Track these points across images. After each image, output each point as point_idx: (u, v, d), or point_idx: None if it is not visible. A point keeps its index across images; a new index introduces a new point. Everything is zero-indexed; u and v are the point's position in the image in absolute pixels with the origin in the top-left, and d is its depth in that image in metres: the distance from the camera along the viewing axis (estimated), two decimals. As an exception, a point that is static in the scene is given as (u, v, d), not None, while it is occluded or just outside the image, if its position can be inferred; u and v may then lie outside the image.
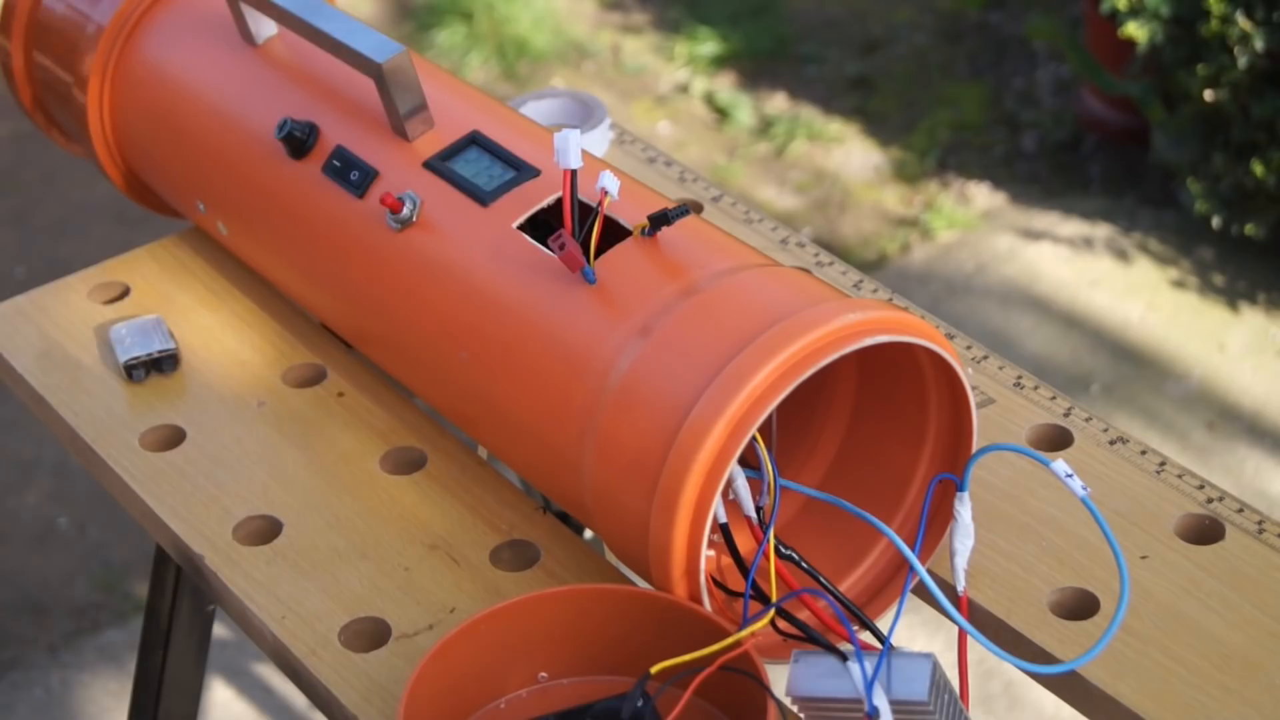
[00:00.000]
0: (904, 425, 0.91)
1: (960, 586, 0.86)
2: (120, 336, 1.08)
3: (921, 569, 0.82)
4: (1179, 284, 2.56)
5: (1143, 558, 0.92)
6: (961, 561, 0.86)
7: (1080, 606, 0.89)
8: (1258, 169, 2.41)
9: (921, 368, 0.88)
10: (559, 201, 0.92)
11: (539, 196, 0.93)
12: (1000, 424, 1.01)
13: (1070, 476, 0.80)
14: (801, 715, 0.81)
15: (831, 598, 0.85)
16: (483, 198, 0.93)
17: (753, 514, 0.85)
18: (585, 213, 0.89)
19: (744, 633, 0.80)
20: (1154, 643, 0.87)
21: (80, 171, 2.69)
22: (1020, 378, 1.04)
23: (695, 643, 0.80)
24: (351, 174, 0.98)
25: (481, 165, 0.95)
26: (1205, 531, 0.93)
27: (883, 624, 0.88)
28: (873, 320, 0.83)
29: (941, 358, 0.85)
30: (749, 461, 0.85)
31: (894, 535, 0.83)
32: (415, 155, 0.97)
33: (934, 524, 0.89)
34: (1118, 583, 0.79)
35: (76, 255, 2.56)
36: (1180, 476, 0.96)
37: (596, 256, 0.88)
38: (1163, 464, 0.97)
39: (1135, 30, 2.51)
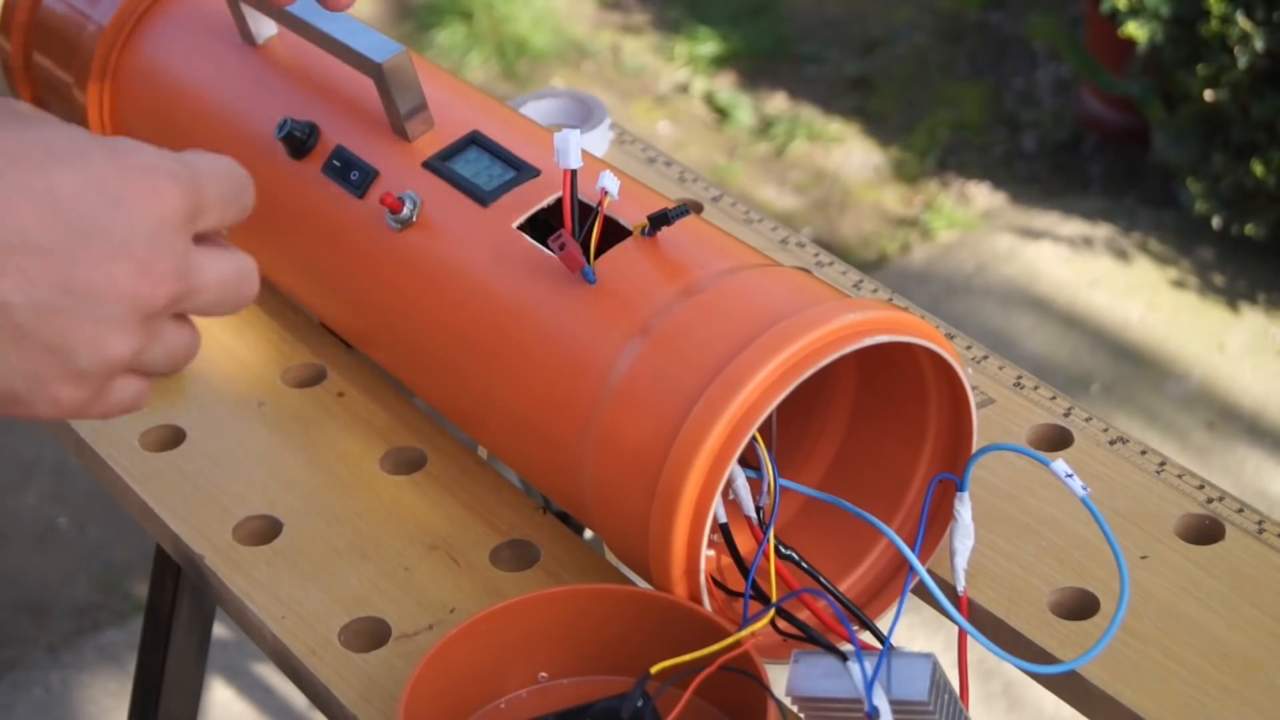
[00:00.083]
0: (904, 425, 0.91)
1: (960, 586, 0.86)
2: (120, 336, 1.08)
3: (921, 569, 0.82)
4: (1179, 284, 2.56)
5: (1143, 558, 0.92)
6: (961, 561, 0.86)
7: (1080, 606, 0.89)
8: (1258, 169, 2.41)
9: (921, 368, 0.88)
10: (559, 201, 0.92)
11: (539, 196, 0.93)
12: (1000, 424, 1.01)
13: (1070, 476, 0.80)
14: (801, 715, 0.81)
15: (831, 598, 0.85)
16: (483, 198, 0.93)
17: (753, 514, 0.85)
18: (585, 213, 0.89)
19: (744, 633, 0.80)
20: (1154, 643, 0.87)
21: (80, 171, 2.69)
22: (1020, 378, 1.04)
23: (695, 643, 0.80)
24: (351, 174, 0.98)
25: (481, 165, 0.95)
26: (1205, 531, 0.93)
27: (883, 624, 0.88)
28: (873, 320, 0.83)
29: (941, 358, 0.85)
30: (749, 461, 0.85)
31: (894, 535, 0.83)
32: (415, 155, 0.97)
33: (934, 524, 0.89)
34: (1118, 583, 0.79)
35: (76, 255, 2.56)
36: (1180, 476, 0.96)
37: (596, 256, 0.88)
38: (1163, 464, 0.97)
39: (1135, 30, 2.51)
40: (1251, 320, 2.49)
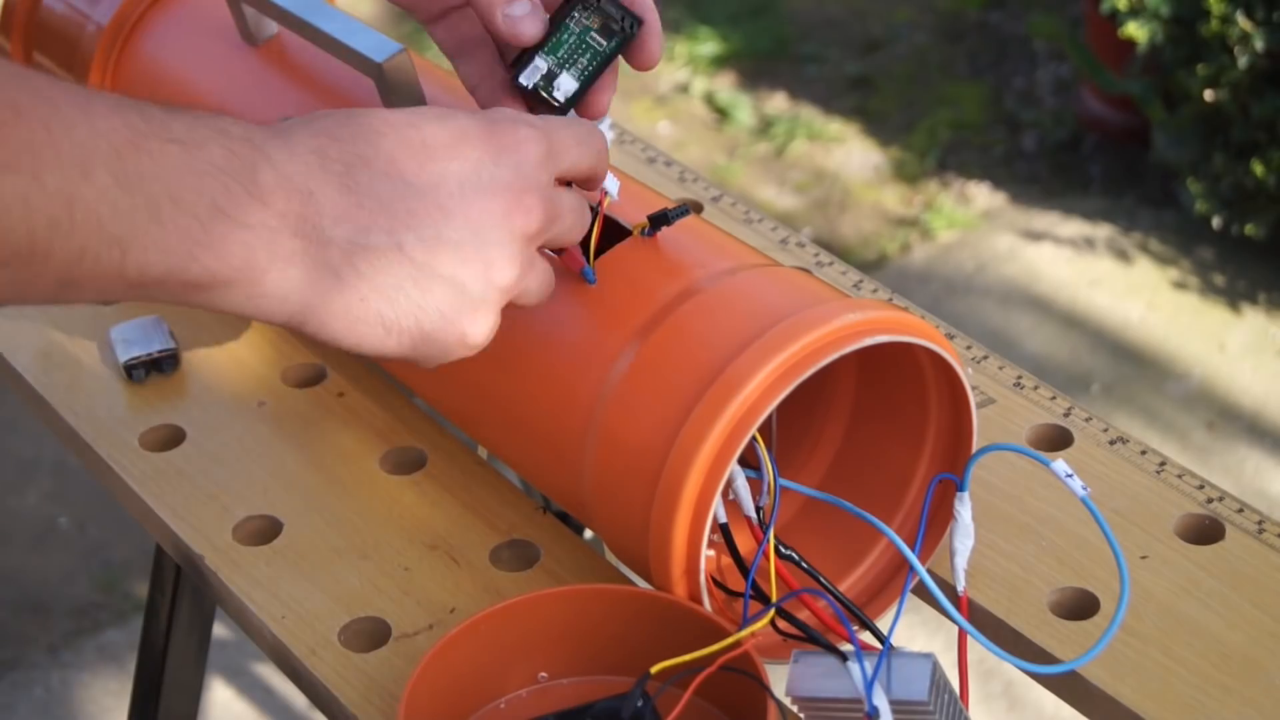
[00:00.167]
0: (904, 425, 0.91)
1: (960, 586, 0.86)
2: (120, 336, 1.08)
3: (921, 569, 0.82)
4: (1179, 284, 2.56)
5: (1143, 558, 0.92)
6: (961, 561, 0.86)
7: (1080, 606, 0.89)
8: (1258, 169, 2.41)
9: (921, 368, 0.88)
10: (559, 201, 0.92)
11: (539, 196, 0.93)
12: (1000, 424, 1.01)
13: (1070, 476, 0.80)
14: (801, 715, 0.81)
15: (831, 598, 0.85)
16: (483, 198, 0.93)
17: (753, 514, 0.85)
18: (585, 213, 0.89)
19: (744, 633, 0.80)
20: (1154, 643, 0.87)
21: (80, 171, 2.69)
22: (1020, 378, 1.04)
23: (695, 643, 0.80)
24: (351, 174, 0.97)
25: (481, 165, 0.95)
26: (1205, 531, 0.93)
27: (883, 624, 0.88)
28: (873, 320, 0.83)
29: (941, 358, 0.85)
30: (749, 461, 0.85)
31: (894, 535, 0.83)
32: (415, 155, 0.97)
33: (934, 524, 0.89)
34: (1118, 583, 0.79)
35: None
36: (1180, 476, 0.96)
37: (596, 256, 0.88)
38: (1163, 464, 0.97)
39: (1135, 30, 2.51)
40: (1252, 320, 2.49)
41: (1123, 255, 2.61)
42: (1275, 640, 0.87)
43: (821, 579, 0.86)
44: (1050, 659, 0.87)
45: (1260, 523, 0.93)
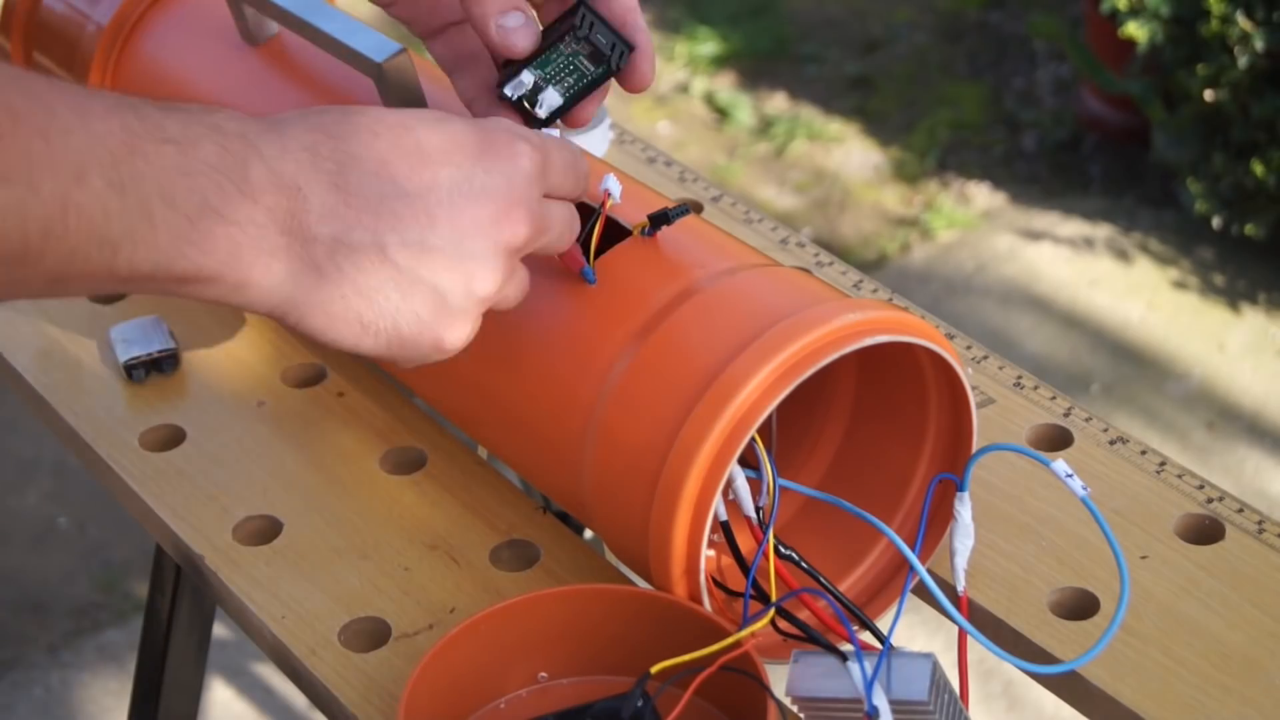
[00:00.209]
0: (904, 425, 0.91)
1: (960, 586, 0.86)
2: (120, 336, 1.08)
3: (921, 569, 0.82)
4: (1179, 284, 2.56)
5: (1142, 557, 0.92)
6: (961, 561, 0.86)
7: (1080, 606, 0.89)
8: (1258, 169, 2.41)
9: (921, 368, 0.88)
10: (559, 201, 0.92)
11: (539, 196, 0.93)
12: (1000, 424, 1.01)
13: (1070, 476, 0.80)
14: (801, 715, 0.81)
15: (831, 597, 0.85)
16: (483, 197, 0.93)
17: (752, 514, 0.85)
18: (586, 213, 0.89)
19: (744, 632, 0.80)
20: (1154, 642, 0.87)
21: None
22: (1020, 378, 1.04)
23: (695, 642, 0.80)
24: (351, 174, 0.97)
25: (481, 165, 0.95)
26: (1205, 531, 0.93)
27: (883, 624, 0.88)
28: (873, 320, 0.83)
29: (941, 358, 0.85)
30: (749, 461, 0.85)
31: (894, 535, 0.83)
32: (415, 155, 0.97)
33: (934, 524, 0.89)
34: (1118, 583, 0.79)
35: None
36: (1180, 476, 0.96)
37: (596, 256, 0.88)
38: (1163, 464, 0.97)
39: (1135, 30, 2.51)
40: (1252, 320, 2.49)
41: (1123, 255, 2.61)
42: (1275, 640, 0.87)
43: (821, 579, 0.86)
44: (1050, 659, 0.87)
45: (1260, 523, 0.93)
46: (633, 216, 0.90)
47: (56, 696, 2.03)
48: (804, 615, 0.86)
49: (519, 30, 0.86)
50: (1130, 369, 2.43)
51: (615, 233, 0.90)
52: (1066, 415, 1.01)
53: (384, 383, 1.05)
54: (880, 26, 3.14)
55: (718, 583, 0.86)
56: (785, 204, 2.77)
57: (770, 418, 0.82)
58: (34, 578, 2.16)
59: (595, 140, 1.21)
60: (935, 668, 0.78)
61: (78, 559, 2.18)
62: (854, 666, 0.79)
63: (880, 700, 0.78)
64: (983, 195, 2.76)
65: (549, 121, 0.88)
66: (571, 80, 0.88)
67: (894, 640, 0.82)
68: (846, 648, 0.80)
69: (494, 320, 0.83)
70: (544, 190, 0.81)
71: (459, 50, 0.92)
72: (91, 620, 2.11)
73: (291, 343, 1.09)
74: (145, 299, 1.13)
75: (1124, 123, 2.77)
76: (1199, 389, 2.40)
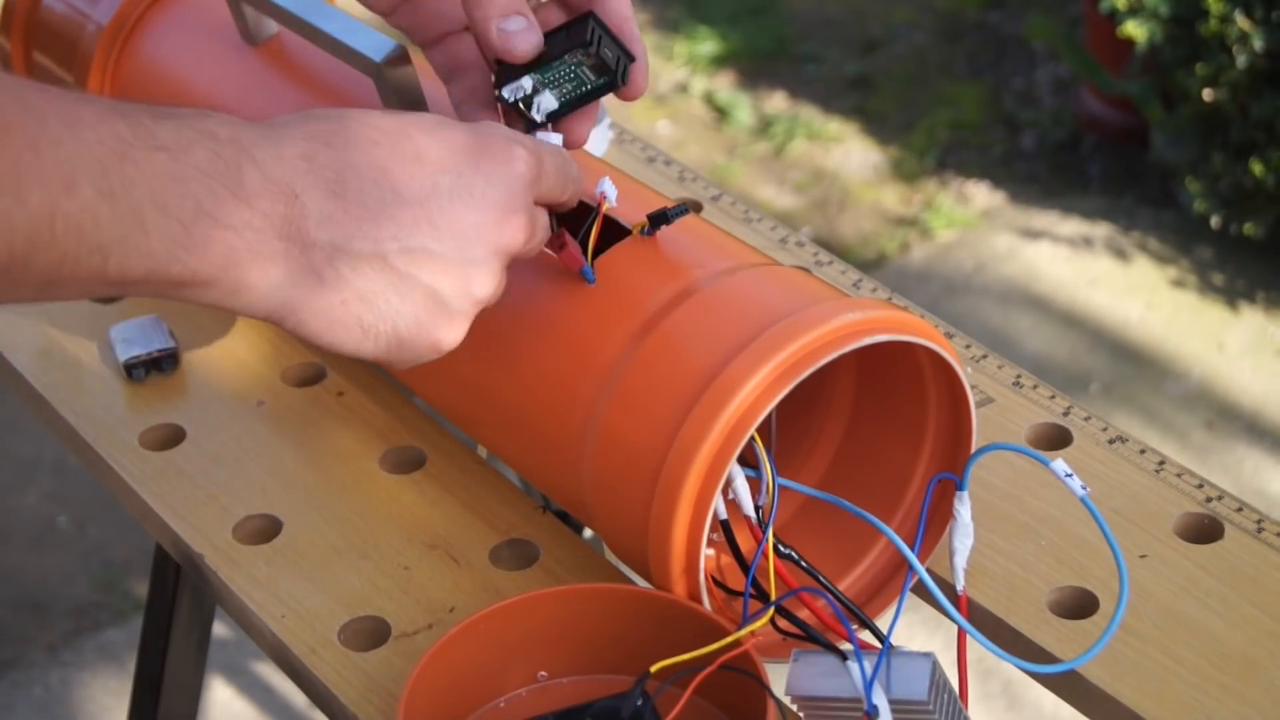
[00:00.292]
0: (903, 424, 0.91)
1: (959, 586, 0.86)
2: (120, 335, 1.08)
3: (921, 568, 0.82)
4: (1178, 283, 2.56)
5: (1142, 557, 0.92)
6: (961, 561, 0.86)
7: (1079, 606, 0.89)
8: (1256, 168, 2.41)
9: (921, 367, 0.88)
10: (558, 201, 0.92)
11: (538, 196, 0.93)
12: (999, 423, 1.01)
13: (1069, 476, 0.80)
14: (801, 715, 0.81)
15: (831, 597, 0.85)
16: (482, 197, 0.93)
17: (752, 513, 0.85)
18: (585, 212, 0.89)
19: (743, 631, 0.80)
20: (1153, 642, 0.87)
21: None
22: (1019, 377, 1.04)
23: (695, 642, 0.80)
24: (351, 173, 0.97)
25: (481, 165, 0.95)
26: (1204, 530, 0.93)
27: (882, 623, 0.88)
28: (872, 319, 0.83)
29: (941, 357, 0.85)
30: (748, 460, 0.85)
31: (893, 535, 0.84)
32: (415, 155, 0.97)
33: (933, 523, 0.90)
34: (1117, 582, 0.79)
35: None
36: (1179, 475, 0.96)
37: (596, 256, 0.88)
38: (1162, 463, 0.97)
39: (1134, 29, 2.51)
40: (1250, 319, 2.49)
41: (1122, 255, 2.61)
42: (1274, 640, 0.87)
43: (821, 578, 0.86)
44: (1049, 658, 0.87)
45: (1259, 522, 0.93)
46: (632, 216, 0.90)
47: (56, 696, 2.03)
48: (804, 614, 0.86)
49: (520, 34, 0.86)
50: (1129, 368, 2.43)
51: (614, 232, 0.90)
52: (1066, 414, 1.01)
53: (384, 382, 1.05)
54: (880, 26, 3.14)
55: (717, 582, 0.86)
56: (785, 203, 2.77)
57: (770, 417, 0.82)
58: (34, 577, 2.16)
59: (595, 140, 1.21)
60: (935, 667, 0.78)
61: (78, 559, 2.18)
62: (854, 666, 0.79)
63: (880, 699, 0.78)
64: (982, 195, 2.76)
65: (543, 125, 0.88)
66: (570, 87, 0.88)
67: (893, 639, 0.82)
68: (846, 647, 0.80)
69: (493, 320, 0.83)
70: (537, 195, 0.82)
71: (456, 59, 0.92)
72: (91, 620, 2.11)
73: (291, 342, 1.09)
74: (145, 298, 1.13)
75: (1123, 122, 2.77)
76: (1198, 388, 2.40)
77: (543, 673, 0.85)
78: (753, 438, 0.81)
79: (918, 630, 1.84)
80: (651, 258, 0.89)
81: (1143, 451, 0.98)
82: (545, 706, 0.84)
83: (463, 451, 1.00)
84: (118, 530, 2.20)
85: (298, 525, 0.96)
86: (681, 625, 0.82)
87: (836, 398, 0.94)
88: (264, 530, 0.96)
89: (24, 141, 0.67)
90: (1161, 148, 2.62)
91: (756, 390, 0.80)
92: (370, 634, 0.90)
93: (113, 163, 0.69)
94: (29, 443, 2.32)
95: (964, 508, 0.86)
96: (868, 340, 0.82)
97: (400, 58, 0.94)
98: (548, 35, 0.87)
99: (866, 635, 0.85)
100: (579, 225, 0.88)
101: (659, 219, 0.89)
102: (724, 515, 0.84)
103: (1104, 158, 2.80)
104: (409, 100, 0.96)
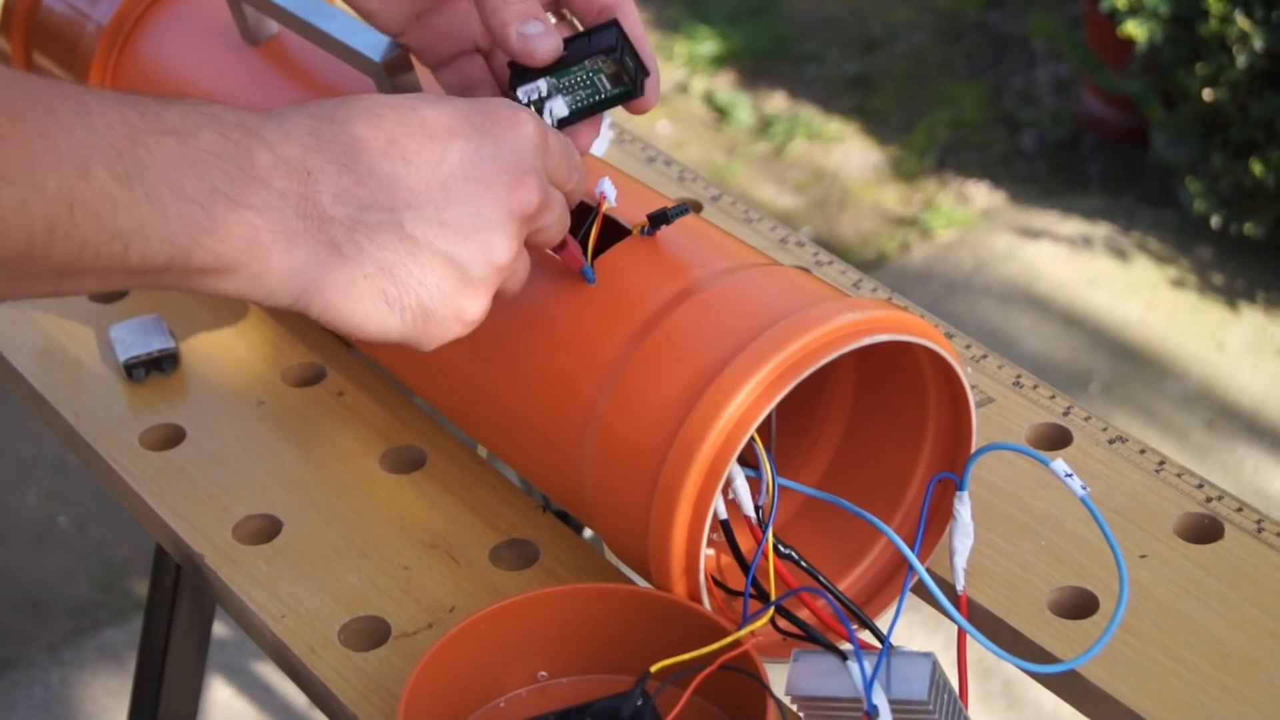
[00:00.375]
0: (903, 424, 0.91)
1: (959, 586, 0.86)
2: (120, 335, 1.08)
3: (921, 568, 0.82)
4: (1178, 283, 2.56)
5: (1142, 557, 0.92)
6: (961, 561, 0.86)
7: (1079, 605, 0.89)
8: (1256, 168, 2.41)
9: (921, 367, 0.88)
10: (558, 201, 0.92)
11: (539, 196, 0.93)
12: (999, 423, 1.01)
13: (1069, 476, 0.80)
14: (801, 714, 0.81)
15: (831, 597, 0.85)
16: (482, 197, 0.93)
17: (752, 513, 0.85)
18: (585, 212, 0.89)
19: (743, 631, 0.80)
20: (1153, 642, 0.87)
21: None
22: (1019, 377, 1.04)
23: (695, 642, 0.80)
24: (351, 173, 0.97)
25: (481, 165, 0.95)
26: (1204, 530, 0.93)
27: (882, 623, 0.88)
28: (872, 319, 0.83)
29: (941, 357, 0.85)
30: (748, 460, 0.85)
31: (893, 534, 0.84)
32: (415, 155, 0.97)
33: (933, 523, 0.90)
34: (1117, 582, 0.79)
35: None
36: (1179, 475, 0.96)
37: (596, 256, 0.88)
38: (1162, 463, 0.97)
39: (1134, 29, 2.51)
40: (1250, 319, 2.49)
41: (1121, 254, 2.61)
42: (1274, 639, 0.87)
43: (821, 578, 0.86)
44: (1049, 658, 0.87)
45: (1259, 522, 0.93)
46: (632, 216, 0.90)
47: (56, 696, 2.03)
48: (803, 614, 0.86)
49: (539, 37, 0.86)
50: (1129, 368, 2.43)
51: (614, 232, 0.90)
52: (1066, 414, 1.01)
53: (384, 382, 1.05)
54: (879, 26, 3.14)
55: (717, 582, 0.86)
56: (784, 203, 2.77)
57: (770, 417, 0.82)
58: (34, 577, 2.16)
59: (600, 129, 1.21)
60: (935, 667, 0.78)
61: (77, 558, 2.18)
62: (854, 666, 0.79)
63: (880, 699, 0.78)
64: (982, 194, 2.76)
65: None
66: (584, 94, 0.88)
67: (893, 639, 0.82)
68: (846, 647, 0.80)
69: (494, 319, 0.83)
70: (546, 166, 0.82)
71: (467, 79, 0.93)
72: (91, 619, 2.11)
73: (291, 342, 1.09)
74: (145, 298, 1.13)
75: (1123, 122, 2.77)
76: (1198, 388, 2.40)
77: (543, 673, 0.85)
78: (753, 438, 0.82)
79: (918, 630, 1.84)
80: (651, 258, 0.89)
81: (1143, 451, 0.98)
82: (545, 706, 0.84)
83: (463, 451, 1.00)
84: (118, 530, 2.20)
85: (298, 525, 0.96)
86: (681, 625, 0.82)
87: (836, 398, 0.94)
88: (264, 530, 0.96)
89: (36, 129, 0.67)
90: (1161, 147, 2.62)
91: (757, 390, 0.80)
92: (370, 634, 0.90)
93: (125, 147, 0.70)
94: (29, 443, 2.32)
95: (964, 508, 0.86)
96: (868, 340, 0.82)
97: (400, 58, 0.94)
98: (569, 41, 0.87)
99: (866, 635, 0.85)
100: (579, 225, 0.88)
101: (659, 219, 0.89)
102: (724, 515, 0.84)
103: (1104, 157, 2.80)
104: (409, 100, 0.96)
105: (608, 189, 0.89)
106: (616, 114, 0.95)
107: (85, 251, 0.69)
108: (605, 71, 0.87)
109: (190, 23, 1.10)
